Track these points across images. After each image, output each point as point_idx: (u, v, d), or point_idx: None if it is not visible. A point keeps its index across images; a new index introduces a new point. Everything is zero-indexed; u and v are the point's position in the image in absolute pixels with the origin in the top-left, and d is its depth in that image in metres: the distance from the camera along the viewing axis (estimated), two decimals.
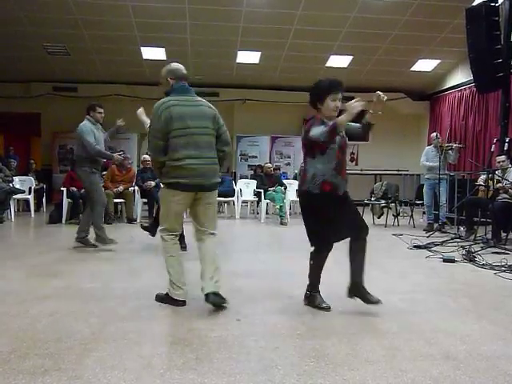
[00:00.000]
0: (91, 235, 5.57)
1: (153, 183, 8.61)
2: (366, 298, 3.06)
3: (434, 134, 8.27)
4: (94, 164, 5.53)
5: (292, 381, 2.10)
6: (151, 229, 5.50)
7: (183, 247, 5.50)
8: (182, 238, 5.55)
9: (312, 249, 3.18)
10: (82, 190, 8.44)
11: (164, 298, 3.27)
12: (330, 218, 3.02)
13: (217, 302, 3.09)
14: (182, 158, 3.15)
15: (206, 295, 3.10)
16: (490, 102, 10.38)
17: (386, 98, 3.16)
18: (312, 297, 3.20)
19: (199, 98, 3.39)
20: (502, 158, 6.83)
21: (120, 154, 6.60)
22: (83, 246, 5.52)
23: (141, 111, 4.89)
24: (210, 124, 3.32)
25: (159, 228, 3.38)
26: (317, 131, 2.97)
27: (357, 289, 3.09)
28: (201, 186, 3.22)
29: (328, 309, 3.11)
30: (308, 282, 3.23)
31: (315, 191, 3.05)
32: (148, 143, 3.43)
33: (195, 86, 11.56)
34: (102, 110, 5.64)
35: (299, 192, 3.30)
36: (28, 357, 2.30)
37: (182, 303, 3.20)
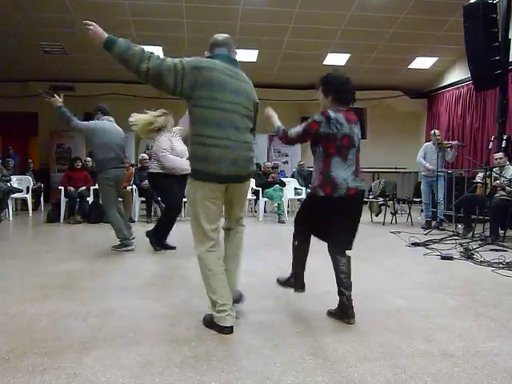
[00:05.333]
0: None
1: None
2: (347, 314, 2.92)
3: (433, 131, 8.28)
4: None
5: (291, 378, 2.10)
6: (153, 238, 5.44)
7: (173, 247, 5.50)
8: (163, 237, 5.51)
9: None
10: (80, 190, 8.51)
11: (211, 324, 2.72)
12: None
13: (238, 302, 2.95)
14: (220, 137, 2.62)
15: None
16: (488, 99, 10.40)
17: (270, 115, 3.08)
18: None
19: (243, 74, 2.85)
20: (500, 155, 6.84)
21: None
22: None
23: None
24: (250, 106, 2.82)
25: (194, 245, 2.76)
26: None
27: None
28: (234, 176, 2.71)
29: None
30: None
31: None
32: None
33: None
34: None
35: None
36: (27, 355, 2.30)
37: (229, 330, 2.65)
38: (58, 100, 5.19)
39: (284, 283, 3.19)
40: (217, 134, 2.62)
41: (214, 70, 2.63)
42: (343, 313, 2.88)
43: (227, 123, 2.65)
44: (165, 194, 5.58)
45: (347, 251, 2.95)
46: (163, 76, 2.55)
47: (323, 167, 2.83)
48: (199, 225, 2.70)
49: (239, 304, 2.98)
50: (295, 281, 3.11)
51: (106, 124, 5.44)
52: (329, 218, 2.87)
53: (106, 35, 2.58)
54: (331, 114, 2.79)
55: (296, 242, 3.06)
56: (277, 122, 3.11)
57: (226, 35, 2.87)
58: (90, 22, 2.60)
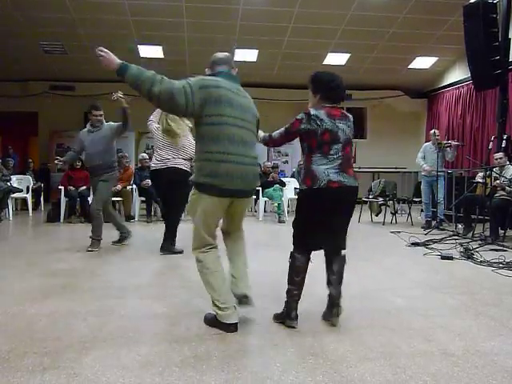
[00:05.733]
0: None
1: (150, 182, 8.61)
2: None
3: (433, 131, 8.28)
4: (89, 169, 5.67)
5: (291, 378, 2.10)
6: (169, 246, 5.36)
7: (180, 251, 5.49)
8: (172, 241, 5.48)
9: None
10: (80, 189, 8.50)
11: (214, 323, 2.75)
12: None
13: (248, 305, 2.92)
14: (226, 152, 2.65)
15: (240, 297, 2.86)
16: (488, 99, 10.40)
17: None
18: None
19: (244, 90, 2.93)
20: (500, 155, 6.85)
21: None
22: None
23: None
24: (255, 121, 2.91)
25: (192, 248, 2.82)
26: None
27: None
28: (240, 191, 2.75)
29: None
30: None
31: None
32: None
33: None
34: (97, 113, 5.44)
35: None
36: (27, 355, 2.31)
37: (234, 328, 2.69)
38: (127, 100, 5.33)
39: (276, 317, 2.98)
40: (227, 150, 2.66)
41: (220, 87, 2.69)
42: (328, 312, 2.86)
43: (236, 139, 2.71)
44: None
45: (343, 251, 2.90)
46: (175, 98, 2.59)
47: (306, 162, 2.87)
48: (199, 232, 2.77)
49: (245, 304, 2.93)
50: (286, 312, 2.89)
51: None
52: (315, 218, 2.82)
53: (119, 61, 2.63)
54: (311, 111, 2.81)
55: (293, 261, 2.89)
56: (260, 133, 3.15)
57: (226, 53, 2.96)
58: (102, 49, 2.68)
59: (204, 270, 2.76)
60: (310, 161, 2.82)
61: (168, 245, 5.32)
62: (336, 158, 2.78)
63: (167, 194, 5.41)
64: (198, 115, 2.69)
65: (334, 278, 2.84)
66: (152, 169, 5.42)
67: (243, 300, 2.88)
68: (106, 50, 2.67)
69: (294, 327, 2.78)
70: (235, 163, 2.68)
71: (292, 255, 2.87)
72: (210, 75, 2.83)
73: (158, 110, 5.39)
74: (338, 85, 2.89)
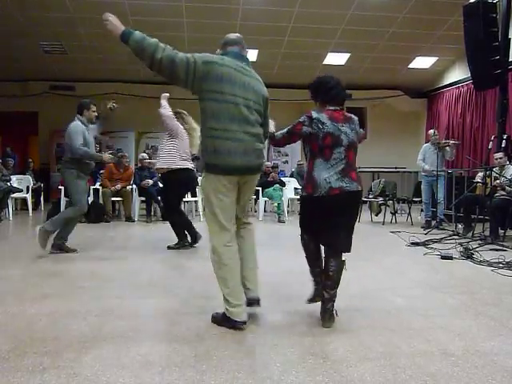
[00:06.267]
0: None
1: (150, 181, 8.63)
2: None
3: (432, 130, 8.28)
4: (81, 168, 5.13)
5: (291, 378, 2.10)
6: (182, 242, 5.49)
7: (192, 242, 5.54)
8: (191, 230, 5.55)
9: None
10: None
11: (221, 320, 2.76)
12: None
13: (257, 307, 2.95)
14: (227, 129, 2.66)
15: (252, 300, 2.87)
16: (488, 99, 10.41)
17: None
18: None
19: (253, 71, 2.91)
20: (500, 155, 6.85)
21: (113, 153, 6.46)
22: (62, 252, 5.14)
23: (166, 95, 4.87)
24: (259, 101, 2.87)
25: (210, 241, 2.77)
26: None
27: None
28: (246, 167, 2.75)
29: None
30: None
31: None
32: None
33: None
34: (95, 109, 5.33)
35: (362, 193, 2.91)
36: (27, 355, 2.30)
37: (242, 324, 2.70)
38: None
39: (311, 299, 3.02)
40: (227, 127, 2.67)
41: (223, 65, 2.70)
42: (321, 316, 2.83)
43: (237, 116, 2.70)
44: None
45: (344, 254, 2.88)
46: (176, 67, 2.61)
47: (308, 167, 2.88)
48: (214, 217, 2.73)
49: (255, 307, 2.94)
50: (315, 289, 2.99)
51: (72, 124, 5.21)
52: (316, 218, 2.87)
53: (123, 28, 2.68)
54: (313, 114, 2.82)
55: (305, 251, 3.02)
56: (271, 127, 3.16)
57: (239, 34, 2.96)
58: (109, 14, 2.77)
59: (220, 265, 2.73)
60: (312, 166, 2.83)
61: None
62: (338, 162, 2.78)
63: (184, 194, 5.51)
64: (198, 89, 2.70)
65: (329, 283, 2.81)
66: (179, 167, 5.36)
67: (254, 303, 2.88)
68: (111, 15, 2.77)
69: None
70: (235, 140, 2.68)
71: (301, 237, 2.98)
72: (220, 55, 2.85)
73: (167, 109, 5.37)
74: (335, 85, 2.90)
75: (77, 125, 5.12)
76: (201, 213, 8.52)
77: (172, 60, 2.60)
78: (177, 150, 5.34)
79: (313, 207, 2.86)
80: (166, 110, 5.34)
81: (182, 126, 5.44)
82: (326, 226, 2.83)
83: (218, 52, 2.90)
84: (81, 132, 5.07)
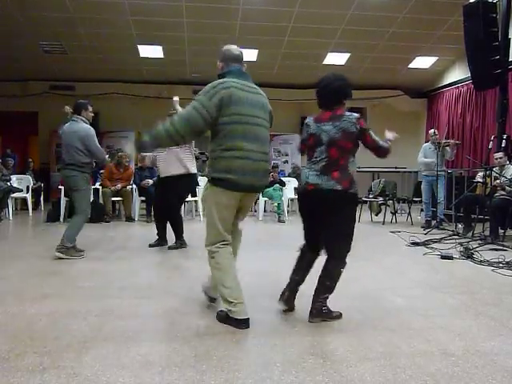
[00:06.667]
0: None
1: (150, 181, 8.62)
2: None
3: (432, 130, 8.28)
4: (89, 171, 5.14)
5: (291, 377, 2.10)
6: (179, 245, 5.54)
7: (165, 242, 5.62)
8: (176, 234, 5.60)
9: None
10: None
11: (226, 320, 2.80)
12: None
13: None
14: (240, 149, 2.72)
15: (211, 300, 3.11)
16: (488, 98, 10.40)
17: None
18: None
19: (256, 86, 2.97)
20: (500, 154, 6.85)
21: (112, 153, 6.48)
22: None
23: (176, 100, 4.82)
24: (267, 117, 2.95)
25: (205, 243, 2.89)
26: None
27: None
28: (251, 186, 2.82)
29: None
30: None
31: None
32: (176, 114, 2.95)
33: (193, 83, 11.61)
34: (92, 109, 5.28)
35: (349, 195, 2.81)
36: (27, 355, 2.30)
37: (246, 324, 2.73)
38: None
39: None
40: (240, 146, 2.74)
41: (229, 87, 2.76)
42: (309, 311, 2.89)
43: (249, 135, 2.77)
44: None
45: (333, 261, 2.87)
46: (192, 122, 2.73)
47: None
48: (214, 226, 2.83)
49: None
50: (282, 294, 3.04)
51: (66, 126, 5.16)
52: (303, 216, 3.03)
53: (144, 152, 2.98)
54: (306, 119, 3.01)
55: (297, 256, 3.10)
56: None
57: (239, 49, 3.03)
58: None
59: (217, 266, 2.82)
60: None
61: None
62: (319, 160, 2.84)
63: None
64: (217, 119, 2.76)
65: (317, 287, 2.86)
66: (194, 172, 5.55)
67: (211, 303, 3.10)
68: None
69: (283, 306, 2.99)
70: (248, 159, 2.75)
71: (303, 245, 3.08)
72: (220, 75, 2.91)
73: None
74: (321, 89, 2.95)
75: (90, 127, 5.05)
76: (201, 213, 8.52)
77: (186, 121, 2.73)
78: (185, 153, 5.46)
79: (299, 203, 3.08)
80: None
81: None
82: (313, 226, 2.96)
83: (219, 65, 2.97)
84: (95, 134, 5.07)
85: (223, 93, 2.72)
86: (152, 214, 7.42)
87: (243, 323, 2.72)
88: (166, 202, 5.50)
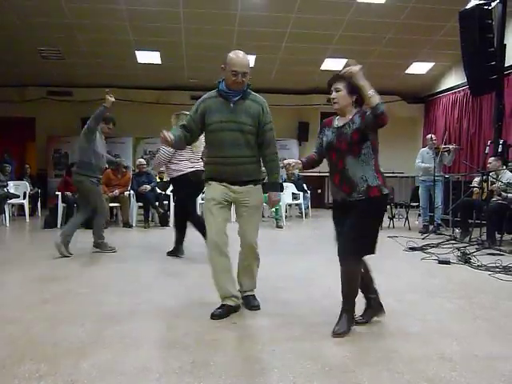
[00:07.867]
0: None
1: (148, 187, 8.62)
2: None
3: (429, 135, 8.31)
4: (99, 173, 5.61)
5: (289, 383, 2.10)
6: (176, 250, 5.44)
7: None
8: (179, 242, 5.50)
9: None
10: (77, 195, 8.47)
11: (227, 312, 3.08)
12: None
13: None
14: (216, 156, 3.06)
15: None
16: (484, 104, 10.45)
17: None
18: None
19: (252, 93, 3.16)
20: (491, 159, 6.87)
21: (112, 161, 6.63)
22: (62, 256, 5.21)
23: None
24: (249, 120, 3.03)
25: (206, 239, 3.17)
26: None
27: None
28: (229, 178, 3.06)
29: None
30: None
31: (386, 192, 2.94)
32: None
33: (191, 89, 11.62)
34: (112, 127, 5.66)
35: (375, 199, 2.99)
36: (23, 362, 2.29)
37: (233, 309, 3.08)
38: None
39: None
40: (218, 154, 3.04)
41: (209, 98, 3.10)
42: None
43: (227, 142, 3.00)
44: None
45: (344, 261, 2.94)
46: (191, 138, 3.21)
47: None
48: (207, 220, 3.11)
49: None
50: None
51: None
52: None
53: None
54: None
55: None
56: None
57: (245, 58, 3.29)
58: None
59: (209, 260, 3.11)
60: None
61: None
62: (329, 165, 3.00)
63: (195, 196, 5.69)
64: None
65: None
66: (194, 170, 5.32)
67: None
68: None
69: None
70: (225, 165, 3.03)
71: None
72: (219, 82, 3.16)
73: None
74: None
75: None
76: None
77: (179, 138, 3.12)
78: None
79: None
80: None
81: None
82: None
83: (223, 68, 3.16)
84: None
85: (201, 105, 3.13)
86: (159, 220, 7.45)
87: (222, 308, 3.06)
88: (180, 202, 5.43)
